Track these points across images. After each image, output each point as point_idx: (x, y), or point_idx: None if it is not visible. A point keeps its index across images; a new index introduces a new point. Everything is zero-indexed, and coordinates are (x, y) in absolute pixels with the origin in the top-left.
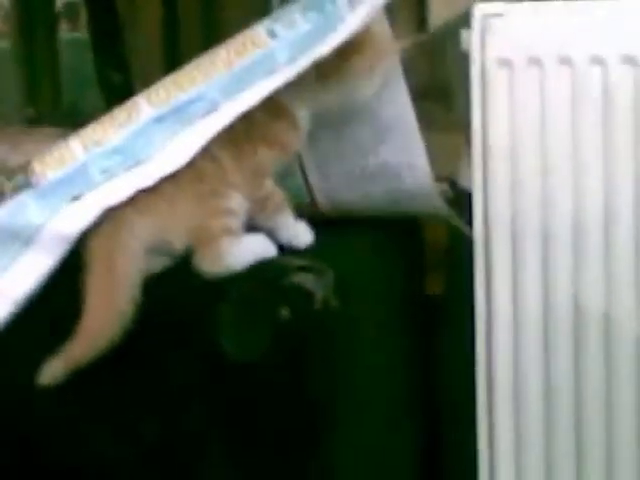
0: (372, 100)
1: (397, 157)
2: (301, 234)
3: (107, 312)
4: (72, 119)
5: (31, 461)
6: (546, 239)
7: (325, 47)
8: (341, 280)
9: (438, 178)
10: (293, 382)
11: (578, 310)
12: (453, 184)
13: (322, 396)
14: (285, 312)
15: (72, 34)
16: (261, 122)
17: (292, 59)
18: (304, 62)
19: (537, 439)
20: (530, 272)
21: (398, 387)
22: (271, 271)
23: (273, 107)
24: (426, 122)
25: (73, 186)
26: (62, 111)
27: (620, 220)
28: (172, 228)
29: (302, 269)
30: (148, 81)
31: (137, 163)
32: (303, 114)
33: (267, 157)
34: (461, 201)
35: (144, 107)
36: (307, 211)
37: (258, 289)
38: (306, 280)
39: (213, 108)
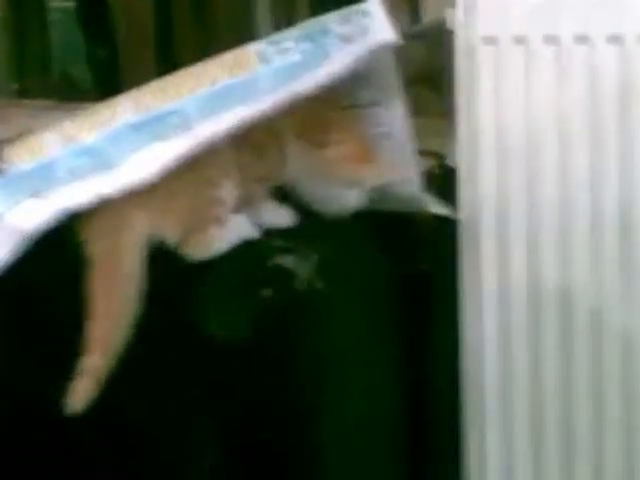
0: (368, 104)
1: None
2: (281, 216)
3: (118, 316)
4: (61, 91)
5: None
6: (533, 217)
7: (305, 84)
8: (325, 260)
9: (425, 154)
10: (276, 362)
11: (564, 289)
12: (440, 160)
13: (305, 376)
14: (268, 293)
15: (62, 3)
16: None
17: (273, 89)
18: (282, 95)
19: (524, 416)
20: (516, 250)
21: (384, 364)
22: (254, 253)
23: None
24: (419, 108)
25: (37, 181)
26: (51, 82)
27: (606, 198)
28: (168, 222)
29: (285, 251)
30: (135, 56)
31: (103, 168)
32: None
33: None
34: (448, 178)
35: (126, 111)
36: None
37: (241, 270)
38: (289, 261)
39: (187, 126)
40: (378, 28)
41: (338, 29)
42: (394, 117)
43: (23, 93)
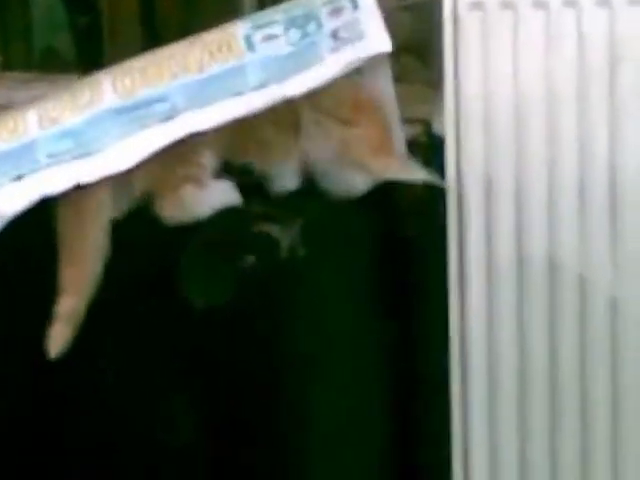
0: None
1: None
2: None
3: (85, 258)
4: (44, 62)
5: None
6: (519, 185)
7: (295, 86)
8: (309, 227)
9: (412, 121)
10: (260, 329)
11: (551, 255)
12: (427, 128)
13: (288, 343)
14: (250, 260)
15: None
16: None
17: (262, 85)
18: (271, 94)
19: (511, 388)
20: (503, 218)
21: (369, 331)
22: (236, 219)
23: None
24: (407, 76)
25: (18, 164)
26: (34, 54)
27: (594, 165)
28: (135, 173)
29: (268, 218)
30: (118, 25)
31: (85, 154)
32: None
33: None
34: (435, 146)
35: (107, 93)
36: None
37: (223, 237)
38: (271, 228)
39: (172, 114)
40: (373, 35)
41: (329, 23)
42: (380, 86)
43: (5, 65)
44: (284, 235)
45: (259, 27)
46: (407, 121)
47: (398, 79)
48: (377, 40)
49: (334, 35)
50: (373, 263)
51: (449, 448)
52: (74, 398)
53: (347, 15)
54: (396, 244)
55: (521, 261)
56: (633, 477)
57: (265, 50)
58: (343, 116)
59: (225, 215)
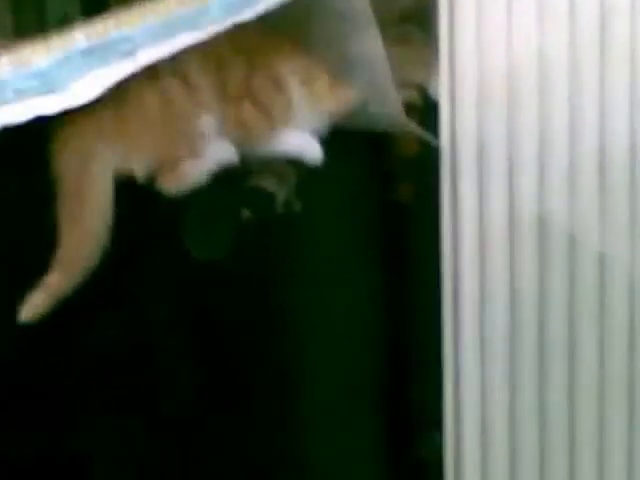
0: (340, 36)
1: (365, 92)
2: (310, 148)
3: (82, 242)
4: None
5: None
6: (512, 149)
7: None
8: (305, 184)
9: (407, 85)
10: (256, 283)
11: (542, 219)
12: (423, 92)
13: (285, 297)
14: (247, 214)
15: None
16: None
17: (223, 19)
18: (229, 22)
19: (502, 346)
20: (495, 182)
21: (364, 287)
22: (233, 174)
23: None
24: (404, 42)
25: None
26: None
27: (584, 128)
28: (136, 157)
29: (264, 172)
30: None
31: (48, 91)
32: None
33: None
34: (430, 110)
35: (78, 39)
36: None
37: (220, 192)
38: (268, 183)
39: (132, 52)
40: None
41: None
42: (368, 47)
43: (18, 34)
44: (280, 189)
45: None
46: (403, 85)
47: (398, 45)
48: None
49: None
50: (367, 221)
51: (441, 387)
52: (76, 353)
53: None
54: (390, 204)
55: (512, 221)
56: (618, 426)
57: None
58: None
59: (222, 170)
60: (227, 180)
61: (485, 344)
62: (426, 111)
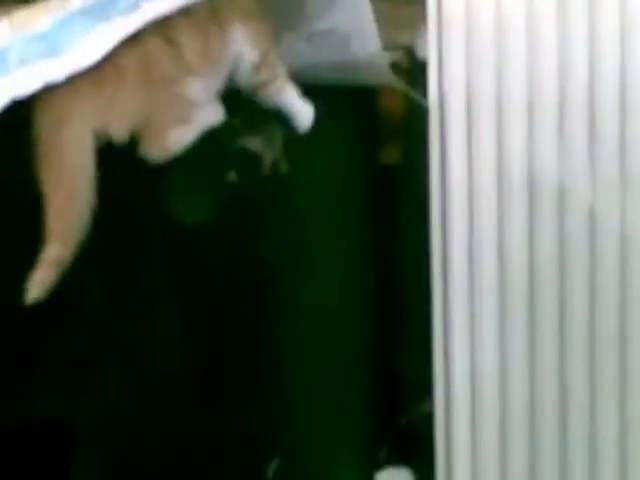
0: None
1: (345, 24)
2: (303, 114)
3: (69, 205)
4: None
5: None
6: (500, 108)
7: None
8: (291, 145)
9: (395, 47)
10: (243, 245)
11: (532, 179)
12: (410, 53)
13: (270, 258)
14: (233, 176)
15: None
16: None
17: None
18: None
19: (491, 308)
20: (484, 141)
21: (352, 251)
22: (219, 135)
23: None
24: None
25: None
26: None
27: (572, 82)
28: (113, 119)
29: (249, 133)
30: None
31: (52, 55)
32: None
33: (239, 36)
34: (417, 71)
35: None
36: None
37: (206, 153)
38: (254, 144)
39: (135, 7)
40: None
41: None
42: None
43: None
44: (266, 150)
45: None
46: (390, 47)
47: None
48: None
49: None
50: (354, 183)
51: (430, 354)
52: (61, 317)
53: None
54: (377, 166)
55: (502, 179)
56: (610, 389)
57: None
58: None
59: (207, 131)
60: (212, 142)
61: (475, 304)
62: (413, 73)
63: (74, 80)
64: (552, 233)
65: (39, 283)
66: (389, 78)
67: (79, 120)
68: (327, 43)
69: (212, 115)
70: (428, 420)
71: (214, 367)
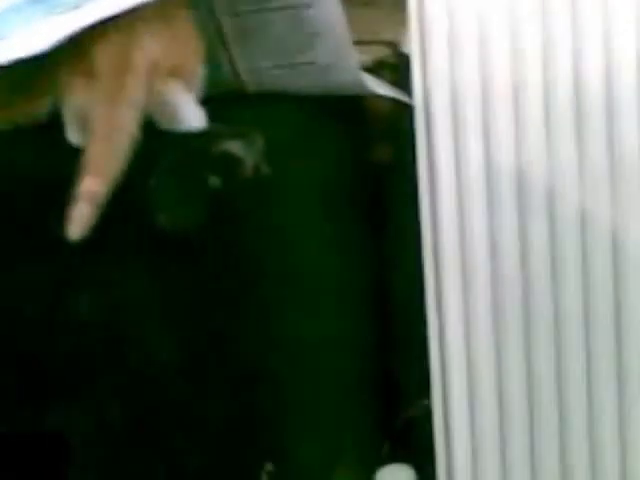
0: (299, 5)
1: (326, 59)
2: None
3: (117, 140)
4: None
5: None
6: (487, 102)
7: None
8: (273, 146)
9: (379, 43)
10: (227, 251)
11: (520, 172)
12: (395, 49)
13: (256, 264)
14: (215, 181)
15: None
16: None
17: None
18: None
19: (485, 305)
20: (472, 135)
21: (343, 253)
22: (199, 140)
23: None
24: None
25: None
26: None
27: (559, 76)
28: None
29: (230, 136)
30: None
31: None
32: None
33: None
34: (403, 66)
35: None
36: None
37: (186, 159)
38: (235, 147)
39: (80, 3)
40: None
41: None
42: (327, 14)
43: None
44: (248, 153)
45: None
46: (375, 44)
47: (367, 4)
48: None
49: None
50: (343, 184)
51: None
52: (51, 323)
53: None
54: (365, 164)
55: (489, 174)
56: (607, 384)
57: None
58: None
59: (187, 136)
60: (192, 146)
61: (469, 302)
62: (399, 68)
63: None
64: (542, 227)
65: (79, 219)
66: (371, 91)
67: (146, 51)
68: (307, 73)
69: (194, 118)
70: (429, 418)
71: (208, 370)
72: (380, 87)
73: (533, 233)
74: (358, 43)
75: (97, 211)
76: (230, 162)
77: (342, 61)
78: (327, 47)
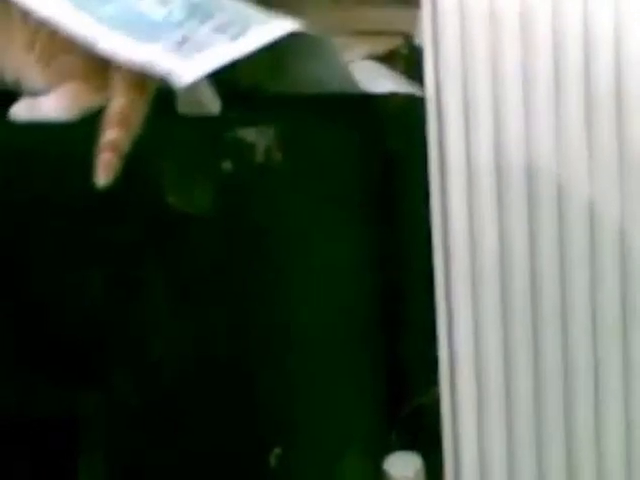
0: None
1: (329, 80)
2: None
3: (138, 91)
4: None
5: None
6: (497, 91)
7: None
8: (285, 133)
9: (393, 34)
10: (237, 235)
11: (530, 162)
12: (408, 41)
13: (266, 247)
14: (227, 165)
15: None
16: None
17: None
18: None
19: (494, 295)
20: (482, 126)
21: (353, 241)
22: (213, 125)
23: None
24: None
25: None
26: None
27: (569, 69)
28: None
29: (244, 122)
30: None
31: None
32: None
33: None
34: (415, 58)
35: None
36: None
37: (200, 143)
38: (248, 133)
39: None
40: None
41: None
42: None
43: None
44: (260, 139)
45: None
46: (389, 34)
47: None
48: None
49: None
50: (354, 172)
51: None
52: (51, 311)
53: None
54: (377, 155)
55: (500, 166)
56: (614, 367)
57: None
58: None
59: (202, 121)
60: (206, 131)
61: (477, 292)
62: (411, 59)
63: None
64: (552, 218)
65: (104, 167)
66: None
67: None
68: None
69: (210, 102)
70: (436, 406)
71: (218, 357)
72: (391, 79)
73: (543, 221)
74: (371, 34)
75: (120, 160)
76: (242, 148)
77: (344, 84)
78: (329, 73)
